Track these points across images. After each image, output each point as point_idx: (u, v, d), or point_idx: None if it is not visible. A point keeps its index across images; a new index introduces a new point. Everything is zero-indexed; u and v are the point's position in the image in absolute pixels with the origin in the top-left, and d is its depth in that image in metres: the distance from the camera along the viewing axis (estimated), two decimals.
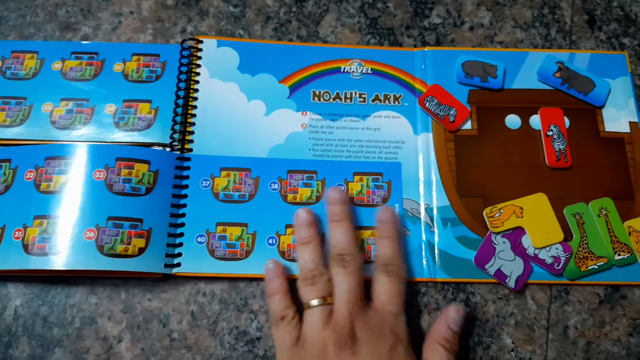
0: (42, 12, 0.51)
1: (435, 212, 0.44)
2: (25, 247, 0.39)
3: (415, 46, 0.50)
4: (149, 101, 0.47)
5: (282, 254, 0.42)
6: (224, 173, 0.44)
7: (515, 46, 0.50)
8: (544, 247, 0.42)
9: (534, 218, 0.43)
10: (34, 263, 0.39)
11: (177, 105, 0.46)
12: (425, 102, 0.47)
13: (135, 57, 0.48)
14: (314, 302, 0.37)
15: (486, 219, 0.43)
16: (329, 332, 0.36)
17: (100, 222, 0.40)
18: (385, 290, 0.38)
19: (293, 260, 0.42)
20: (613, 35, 0.51)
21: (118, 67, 0.48)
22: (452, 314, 0.39)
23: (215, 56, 0.49)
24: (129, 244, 0.40)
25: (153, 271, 0.41)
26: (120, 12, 0.51)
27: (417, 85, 0.48)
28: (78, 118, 0.46)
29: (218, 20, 0.51)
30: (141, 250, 0.40)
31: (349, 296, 0.37)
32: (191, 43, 0.49)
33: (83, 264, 0.39)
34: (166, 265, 0.41)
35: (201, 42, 0.49)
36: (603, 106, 0.47)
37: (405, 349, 0.36)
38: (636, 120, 0.47)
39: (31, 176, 0.41)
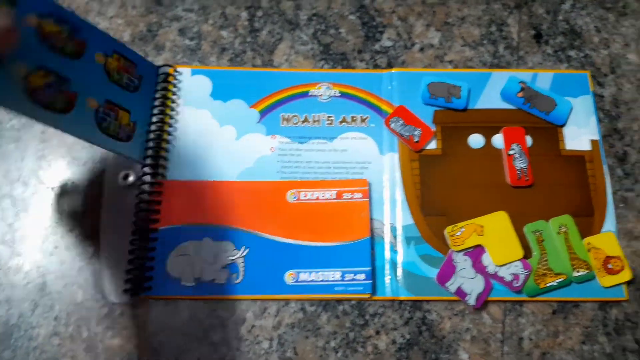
0: None
1: (399, 231, 0.45)
2: None
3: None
4: (128, 111, 0.45)
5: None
6: None
7: (465, 64, 0.51)
8: (504, 265, 0.44)
9: (494, 236, 0.44)
10: None
11: (150, 130, 0.47)
12: (390, 122, 0.48)
13: (115, 56, 0.44)
14: None
15: (447, 238, 0.45)
16: None
17: None
18: None
19: None
20: (559, 49, 0.52)
21: (100, 58, 0.43)
22: None
23: (190, 84, 0.50)
24: None
25: None
26: None
27: (384, 107, 0.49)
28: (60, 99, 0.38)
29: (174, 54, 0.52)
30: None
31: None
32: (166, 70, 0.50)
33: None
34: (133, 289, 0.43)
35: (177, 71, 0.50)
36: (564, 125, 0.48)
37: None
38: (597, 138, 0.48)
39: None
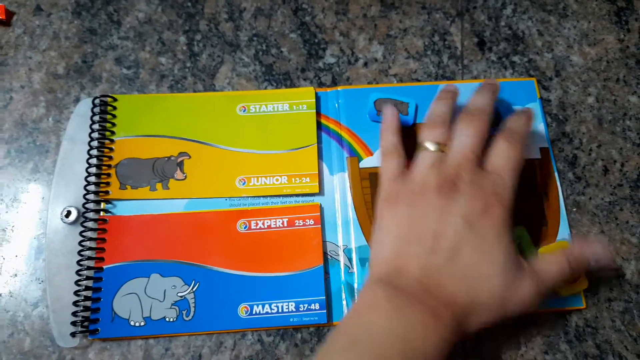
0: None
1: (353, 252, 0.45)
2: None
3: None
4: None
5: None
6: None
7: (409, 77, 0.51)
8: None
9: None
10: None
11: (89, 164, 0.46)
12: None
13: None
14: (429, 145, 0.38)
15: None
16: (433, 174, 0.37)
17: None
18: (500, 153, 0.38)
19: None
20: (503, 55, 0.52)
21: None
22: (599, 250, 0.38)
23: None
24: None
25: None
26: (11, 87, 0.50)
27: (332, 126, 0.48)
28: None
29: (112, 85, 0.50)
30: None
31: (463, 147, 0.37)
32: (105, 99, 0.48)
33: None
34: (80, 332, 0.42)
35: (115, 99, 0.49)
36: None
37: (502, 212, 0.36)
38: (546, 145, 0.48)
39: None
